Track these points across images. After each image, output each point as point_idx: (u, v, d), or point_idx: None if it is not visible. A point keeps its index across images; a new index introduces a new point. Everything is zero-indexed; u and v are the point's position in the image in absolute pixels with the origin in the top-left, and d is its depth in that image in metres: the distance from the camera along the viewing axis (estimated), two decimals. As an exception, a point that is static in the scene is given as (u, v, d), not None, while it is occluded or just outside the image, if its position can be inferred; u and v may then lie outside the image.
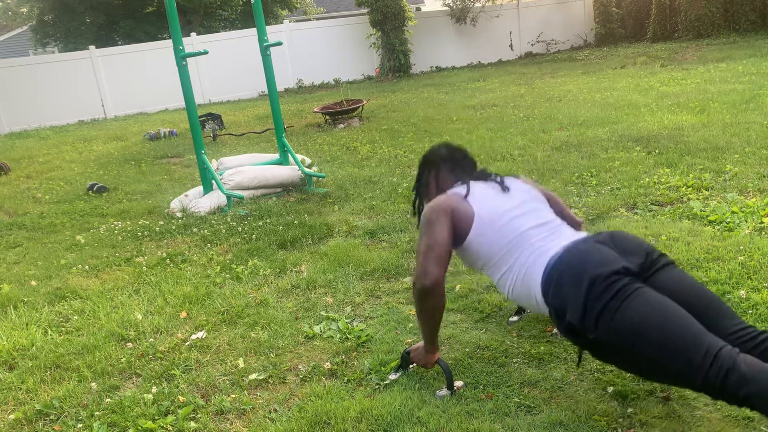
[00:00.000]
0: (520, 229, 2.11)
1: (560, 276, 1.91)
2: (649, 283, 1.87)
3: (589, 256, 1.89)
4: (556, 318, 1.93)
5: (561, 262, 1.93)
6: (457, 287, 3.07)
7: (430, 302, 2.13)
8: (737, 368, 1.62)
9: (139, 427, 2.17)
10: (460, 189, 2.26)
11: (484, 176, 2.33)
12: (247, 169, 5.47)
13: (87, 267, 4.01)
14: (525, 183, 2.36)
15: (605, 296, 1.78)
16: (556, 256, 1.96)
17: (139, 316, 3.10)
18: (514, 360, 2.39)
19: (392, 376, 2.34)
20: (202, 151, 5.25)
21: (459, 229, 2.17)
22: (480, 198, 2.20)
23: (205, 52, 5.23)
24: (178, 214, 5.07)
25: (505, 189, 2.25)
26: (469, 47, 18.80)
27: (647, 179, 4.51)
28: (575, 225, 2.37)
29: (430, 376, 2.33)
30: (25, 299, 3.52)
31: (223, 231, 4.46)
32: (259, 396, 2.34)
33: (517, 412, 2.07)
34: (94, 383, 2.51)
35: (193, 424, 2.19)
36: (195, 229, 4.58)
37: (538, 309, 2.05)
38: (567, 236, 2.08)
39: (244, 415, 2.23)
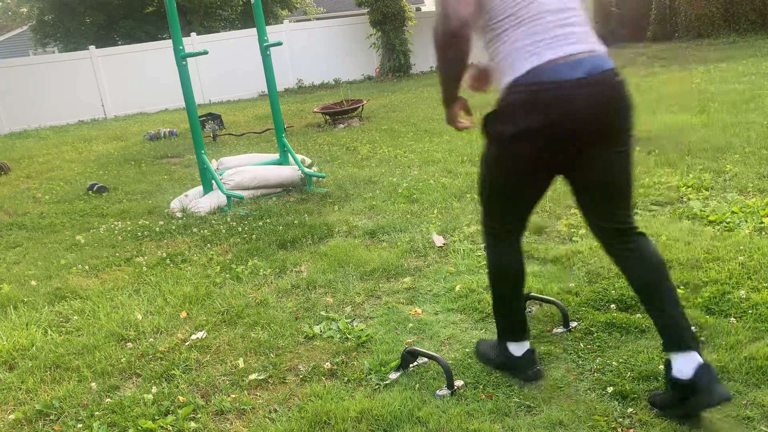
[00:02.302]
0: None
1: None
2: None
3: None
4: None
5: None
6: (458, 287, 3.07)
7: (453, 51, 1.91)
8: None
9: (139, 427, 2.17)
10: None
11: None
12: (247, 169, 5.47)
13: (87, 267, 4.01)
14: None
15: None
16: None
17: (139, 316, 3.10)
18: (514, 360, 2.39)
19: (392, 376, 2.34)
20: (202, 151, 5.25)
21: None
22: None
23: (205, 52, 5.23)
24: (178, 214, 5.07)
25: None
26: (469, 47, 18.77)
27: (647, 179, 4.50)
28: None
29: (429, 376, 2.33)
30: (25, 299, 3.52)
31: (223, 231, 4.46)
32: (259, 396, 2.34)
33: (517, 412, 2.07)
34: (94, 383, 2.51)
35: (193, 424, 2.19)
36: (195, 229, 4.58)
37: None
38: None
39: (244, 415, 2.23)
